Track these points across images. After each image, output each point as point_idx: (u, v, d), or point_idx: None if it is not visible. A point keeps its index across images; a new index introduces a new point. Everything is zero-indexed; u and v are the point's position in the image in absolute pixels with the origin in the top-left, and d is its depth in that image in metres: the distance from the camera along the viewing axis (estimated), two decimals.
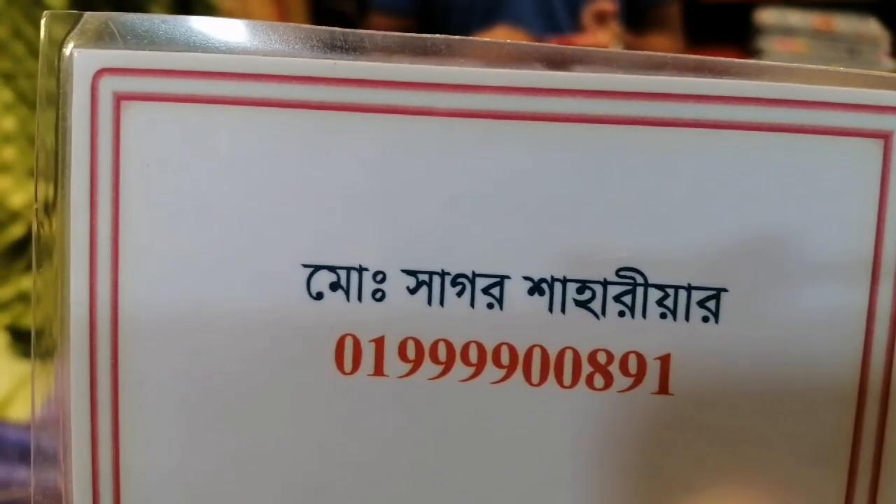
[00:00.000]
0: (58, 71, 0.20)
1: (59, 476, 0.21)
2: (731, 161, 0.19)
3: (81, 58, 0.20)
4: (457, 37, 0.19)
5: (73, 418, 0.20)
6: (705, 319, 0.19)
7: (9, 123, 0.51)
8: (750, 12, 1.24)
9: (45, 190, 0.21)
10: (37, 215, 0.21)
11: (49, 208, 0.20)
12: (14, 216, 0.49)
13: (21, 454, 0.38)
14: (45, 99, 0.20)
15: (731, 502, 0.19)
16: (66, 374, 0.20)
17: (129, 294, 0.20)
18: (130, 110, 0.20)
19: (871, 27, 1.19)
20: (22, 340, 0.48)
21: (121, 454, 0.20)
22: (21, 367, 0.46)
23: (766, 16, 1.22)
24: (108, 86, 0.20)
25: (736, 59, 0.19)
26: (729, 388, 0.19)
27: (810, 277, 0.19)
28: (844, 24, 1.20)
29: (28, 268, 0.49)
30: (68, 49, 0.20)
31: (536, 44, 0.19)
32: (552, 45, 0.19)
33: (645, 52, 0.19)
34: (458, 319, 0.20)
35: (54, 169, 0.20)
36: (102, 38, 0.20)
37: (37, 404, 0.21)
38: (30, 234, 0.50)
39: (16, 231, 0.49)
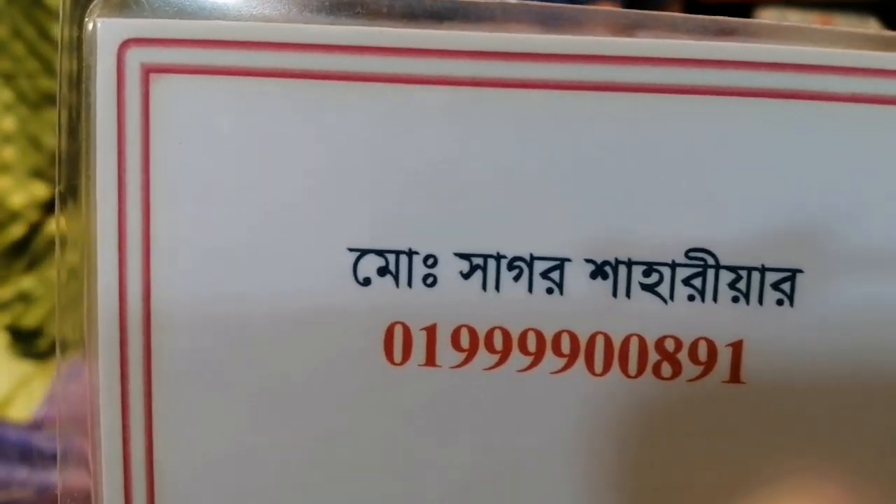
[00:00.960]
0: (79, 45, 0.19)
1: (88, 477, 0.20)
2: (806, 133, 0.18)
3: (105, 28, 0.18)
4: (514, 1, 0.18)
5: (102, 418, 0.19)
6: (779, 303, 0.18)
7: (9, 123, 0.50)
8: (750, 12, 1.23)
9: (61, 182, 0.19)
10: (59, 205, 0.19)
11: (66, 200, 0.19)
12: (14, 216, 0.49)
13: (21, 454, 0.37)
14: (64, 79, 0.19)
15: (803, 496, 0.18)
16: (94, 372, 0.19)
17: (162, 283, 0.18)
18: (160, 84, 0.18)
19: (871, 27, 1.19)
20: (22, 340, 0.47)
21: (154, 454, 0.19)
22: (21, 367, 0.45)
23: (766, 15, 1.21)
24: (136, 58, 0.18)
25: (812, 25, 0.18)
26: (804, 376, 0.18)
27: (889, 256, 0.18)
28: (844, 23, 1.20)
29: (28, 268, 0.48)
30: (90, 20, 0.19)
31: (600, 9, 0.18)
32: (616, 9, 0.17)
33: (713, 17, 0.17)
34: (515, 306, 0.18)
35: (74, 156, 0.19)
36: (128, 6, 0.19)
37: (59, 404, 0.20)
38: (30, 234, 0.50)
39: (16, 231, 0.49)
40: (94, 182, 0.19)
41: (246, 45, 0.18)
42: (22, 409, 0.42)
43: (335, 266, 0.18)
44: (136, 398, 0.19)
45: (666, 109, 0.18)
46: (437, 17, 0.18)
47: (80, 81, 0.19)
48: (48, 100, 0.51)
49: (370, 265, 0.18)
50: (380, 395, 0.19)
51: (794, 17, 1.20)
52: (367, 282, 0.18)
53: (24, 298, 0.47)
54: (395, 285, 0.18)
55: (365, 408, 0.19)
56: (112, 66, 0.18)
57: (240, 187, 0.18)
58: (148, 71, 0.18)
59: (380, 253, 0.18)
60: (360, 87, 0.18)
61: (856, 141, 0.18)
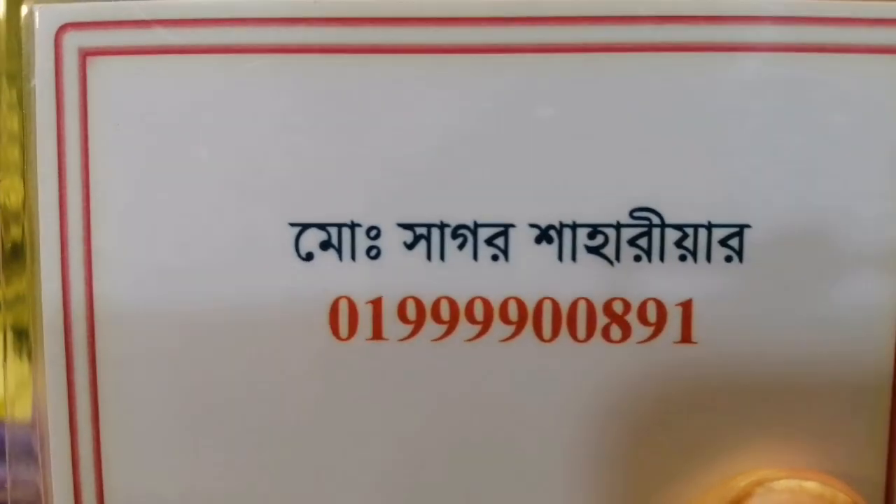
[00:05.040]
0: (19, 34, 0.19)
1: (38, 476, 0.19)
2: (751, 85, 0.17)
3: (42, 14, 0.18)
4: None
5: (50, 416, 0.19)
6: (728, 259, 0.18)
7: (15, 124, 0.51)
8: None
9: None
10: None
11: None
12: (15, 216, 0.49)
13: (23, 454, 0.37)
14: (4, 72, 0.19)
15: (763, 456, 0.18)
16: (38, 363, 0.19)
17: (104, 269, 0.18)
18: (97, 66, 0.18)
19: None
20: (24, 340, 0.47)
21: (102, 450, 0.19)
22: (23, 367, 0.45)
23: None
24: (73, 42, 0.18)
25: None
26: (757, 334, 0.18)
27: (839, 206, 0.18)
28: None
29: None
30: (27, 6, 0.19)
31: None
32: None
33: None
34: (461, 274, 0.18)
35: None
36: None
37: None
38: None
39: (17, 231, 0.49)
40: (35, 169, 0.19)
41: (181, 23, 0.18)
42: (24, 409, 0.42)
43: (276, 242, 0.18)
44: (83, 394, 0.19)
45: (605, 67, 0.17)
46: None
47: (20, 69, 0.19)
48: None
49: (312, 239, 0.18)
50: (327, 371, 0.18)
51: None
52: (309, 257, 0.18)
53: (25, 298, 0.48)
54: (338, 259, 0.18)
55: (312, 385, 0.18)
56: (50, 52, 0.18)
57: (179, 166, 0.18)
58: (85, 54, 0.18)
59: (321, 226, 0.18)
60: (296, 59, 0.18)
61: (800, 91, 0.17)
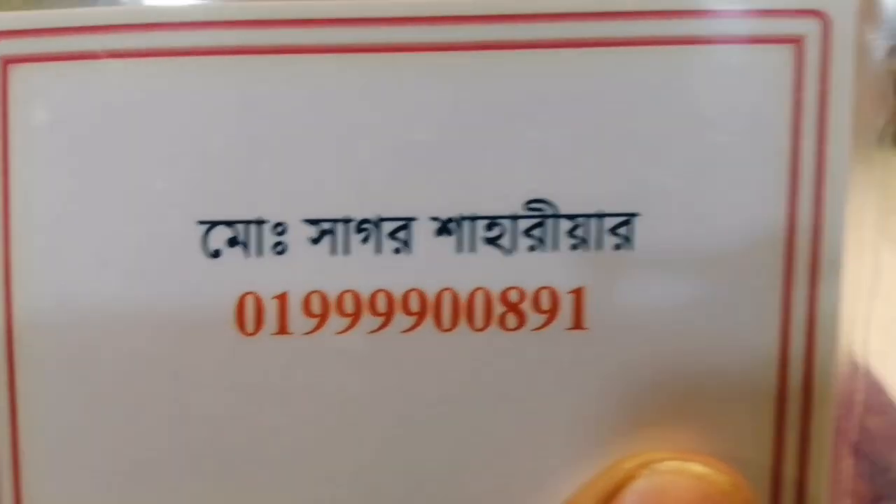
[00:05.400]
0: None
1: None
2: (636, 79, 0.18)
3: None
4: None
5: None
6: (618, 247, 0.18)
7: None
8: None
9: None
10: None
11: None
12: None
13: None
14: None
15: (653, 440, 0.18)
16: None
17: (23, 275, 0.19)
18: (17, 73, 0.19)
19: None
20: None
21: (20, 455, 0.19)
22: None
23: None
24: None
25: None
26: (646, 319, 0.18)
27: (725, 192, 0.18)
28: None
29: None
30: None
31: None
32: None
33: None
34: (365, 268, 0.19)
35: None
36: None
37: None
38: None
39: None
40: None
41: (96, 29, 0.19)
42: None
43: (185, 241, 0.19)
44: (1, 391, 0.19)
45: (500, 66, 0.18)
46: None
47: None
48: None
49: (220, 236, 0.19)
50: (233, 367, 0.19)
51: None
52: (216, 254, 0.19)
53: None
54: (245, 255, 0.19)
55: (219, 381, 0.19)
56: None
57: (93, 169, 0.19)
58: (7, 63, 0.19)
59: (229, 223, 0.19)
60: (201, 62, 0.19)
61: (684, 84, 0.18)
